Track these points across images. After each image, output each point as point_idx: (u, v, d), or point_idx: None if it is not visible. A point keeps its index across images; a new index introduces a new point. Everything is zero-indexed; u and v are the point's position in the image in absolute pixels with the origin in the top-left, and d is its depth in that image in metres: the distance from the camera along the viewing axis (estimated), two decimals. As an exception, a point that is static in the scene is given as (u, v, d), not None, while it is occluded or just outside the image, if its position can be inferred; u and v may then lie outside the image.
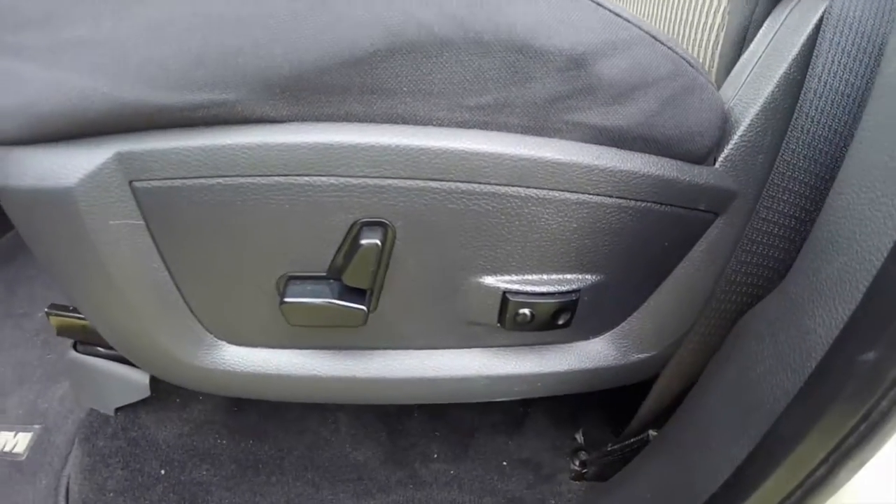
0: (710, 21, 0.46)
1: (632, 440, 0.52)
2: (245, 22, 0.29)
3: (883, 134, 0.28)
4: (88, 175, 0.34)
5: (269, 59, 0.30)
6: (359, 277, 0.35)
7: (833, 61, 0.34)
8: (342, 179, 0.32)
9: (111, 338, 0.48)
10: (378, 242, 0.33)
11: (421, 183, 0.32)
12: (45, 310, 0.63)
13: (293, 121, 0.32)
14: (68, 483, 0.66)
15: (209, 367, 0.44)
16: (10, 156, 0.35)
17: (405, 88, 0.30)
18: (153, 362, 0.47)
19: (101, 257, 0.37)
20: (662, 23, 0.54)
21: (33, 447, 0.74)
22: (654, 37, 0.33)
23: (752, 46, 0.42)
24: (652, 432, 0.52)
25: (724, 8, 0.45)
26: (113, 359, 0.63)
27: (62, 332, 0.65)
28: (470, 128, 0.32)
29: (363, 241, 0.33)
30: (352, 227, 0.35)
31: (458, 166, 0.32)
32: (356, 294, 0.36)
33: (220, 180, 0.33)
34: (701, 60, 0.48)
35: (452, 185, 0.33)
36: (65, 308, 0.61)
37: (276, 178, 0.33)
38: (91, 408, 0.71)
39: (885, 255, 0.25)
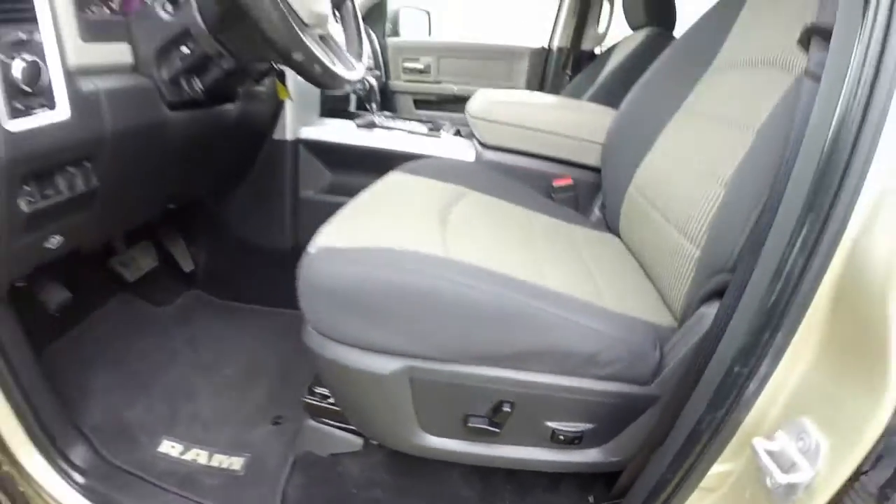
0: (679, 288, 0.96)
1: (613, 502, 1.00)
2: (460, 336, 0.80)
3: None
4: (391, 372, 0.77)
5: (467, 351, 0.80)
6: (498, 422, 0.87)
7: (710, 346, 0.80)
8: (498, 386, 0.84)
9: (363, 428, 0.98)
10: (509, 409, 0.85)
11: (529, 390, 0.84)
12: (304, 398, 1.08)
13: (477, 365, 0.83)
14: (284, 492, 1.06)
15: (417, 443, 0.92)
16: (342, 348, 0.79)
17: (505, 359, 0.82)
18: (385, 440, 0.97)
19: (384, 402, 0.86)
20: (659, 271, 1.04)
21: (248, 467, 1.07)
22: (619, 338, 0.82)
23: (690, 320, 0.85)
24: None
25: (691, 278, 0.92)
26: (340, 428, 1.11)
27: (312, 412, 1.09)
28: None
29: (503, 409, 0.84)
30: (497, 401, 0.85)
31: (537, 386, 0.84)
32: (496, 425, 0.88)
33: (451, 380, 0.84)
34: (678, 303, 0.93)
35: (540, 392, 0.84)
36: (318, 398, 1.09)
37: (475, 384, 0.84)
38: (307, 450, 1.14)
39: (683, 440, 0.75)
